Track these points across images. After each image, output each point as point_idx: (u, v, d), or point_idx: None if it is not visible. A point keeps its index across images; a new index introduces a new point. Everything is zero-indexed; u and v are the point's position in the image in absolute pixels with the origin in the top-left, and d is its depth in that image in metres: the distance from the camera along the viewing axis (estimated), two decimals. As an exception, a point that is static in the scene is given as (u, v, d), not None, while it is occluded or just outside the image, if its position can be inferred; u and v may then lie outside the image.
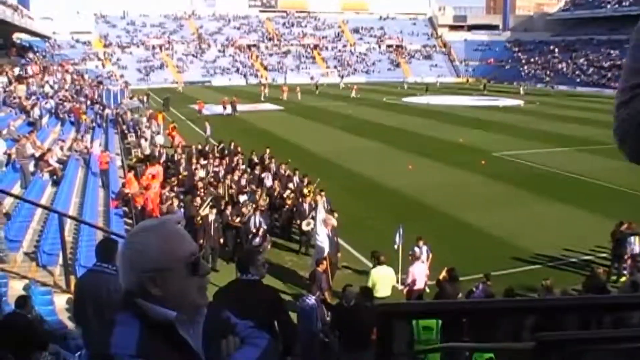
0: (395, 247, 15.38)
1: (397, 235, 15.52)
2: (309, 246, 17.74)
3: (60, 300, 10.21)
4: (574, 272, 16.08)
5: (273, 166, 24.27)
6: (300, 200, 19.13)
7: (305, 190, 20.65)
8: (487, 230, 19.89)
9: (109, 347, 1.87)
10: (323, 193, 18.86)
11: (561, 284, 13.14)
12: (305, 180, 21.99)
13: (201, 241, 16.38)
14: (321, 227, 15.26)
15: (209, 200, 18.32)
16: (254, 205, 18.28)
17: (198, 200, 18.38)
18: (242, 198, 19.67)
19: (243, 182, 21.86)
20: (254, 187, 21.30)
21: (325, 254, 14.78)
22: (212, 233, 16.95)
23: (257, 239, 16.89)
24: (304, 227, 17.89)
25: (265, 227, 17.52)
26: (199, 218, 17.21)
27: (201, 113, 50.73)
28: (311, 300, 10.92)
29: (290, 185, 21.48)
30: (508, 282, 13.44)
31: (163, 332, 1.91)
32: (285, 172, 23.45)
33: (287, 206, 19.68)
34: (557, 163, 30.87)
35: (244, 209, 18.12)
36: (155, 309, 1.93)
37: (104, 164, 23.55)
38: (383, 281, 13.30)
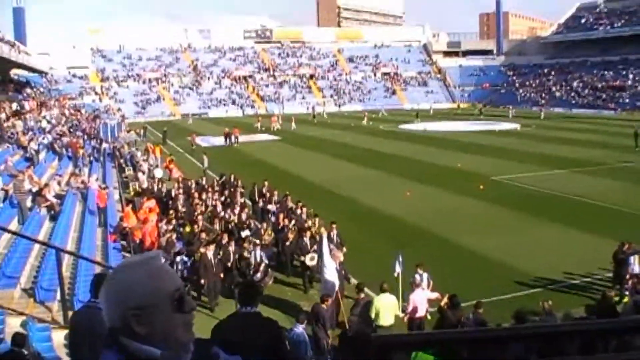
0: (395, 274, 15.27)
1: (397, 262, 15.42)
2: (313, 281, 17.36)
3: (59, 337, 10.09)
4: (576, 295, 15.98)
5: (275, 198, 24.10)
6: (301, 234, 18.64)
7: (309, 222, 20.38)
8: (488, 255, 19.79)
9: None
10: (334, 225, 18.58)
11: (563, 306, 13.03)
12: (304, 211, 21.79)
13: (202, 281, 16.22)
14: (329, 260, 15.01)
15: (212, 238, 18.14)
16: (256, 241, 18.06)
17: (203, 235, 18.18)
18: (244, 233, 19.44)
19: (244, 216, 21.60)
20: (257, 222, 21.03)
21: (337, 288, 14.61)
22: (214, 269, 16.48)
23: (258, 275, 16.65)
24: (308, 262, 17.29)
25: (266, 262, 17.26)
26: (198, 255, 16.98)
27: (195, 145, 50.80)
28: (299, 329, 10.86)
29: (294, 217, 21.16)
30: (510, 306, 13.30)
31: None
32: (288, 205, 23.11)
33: (290, 240, 19.03)
34: (555, 185, 30.85)
35: (245, 245, 17.81)
36: (139, 346, 1.87)
37: (102, 202, 23.33)
38: (386, 309, 13.21)
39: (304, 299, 16.42)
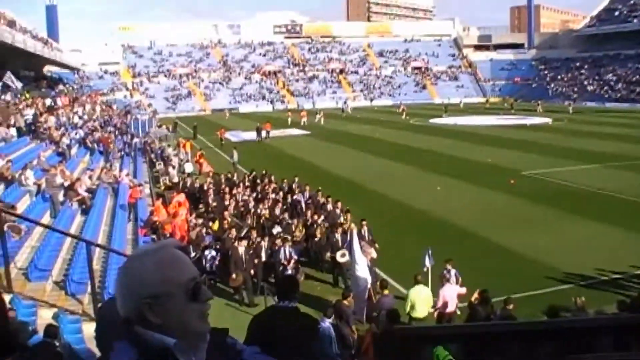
0: (425, 269, 15.17)
1: (426, 257, 15.32)
2: (344, 277, 17.03)
3: (89, 329, 10.15)
4: (607, 292, 15.68)
5: (307, 194, 23.99)
6: (332, 230, 18.52)
7: (342, 219, 20.17)
8: (517, 250, 19.58)
9: None
10: (364, 222, 18.35)
11: (595, 303, 12.83)
12: (339, 206, 21.54)
13: (233, 276, 16.16)
14: (361, 256, 14.90)
15: (244, 231, 18.14)
16: (287, 237, 17.91)
17: (233, 232, 18.15)
18: (276, 230, 19.32)
19: (277, 211, 21.40)
20: (287, 217, 20.92)
21: (369, 285, 14.53)
22: (244, 266, 16.35)
23: (289, 271, 16.53)
24: (339, 259, 17.01)
25: (295, 257, 17.11)
26: (229, 251, 16.90)
27: (224, 140, 50.98)
28: (326, 323, 10.84)
29: (324, 212, 21.03)
30: (540, 302, 13.15)
31: None
32: (320, 200, 22.96)
33: (319, 236, 18.84)
34: (588, 180, 30.44)
35: (277, 241, 17.64)
36: (152, 336, 1.85)
37: (132, 198, 23.50)
38: (421, 301, 13.23)
39: (332, 294, 16.33)
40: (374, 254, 16.46)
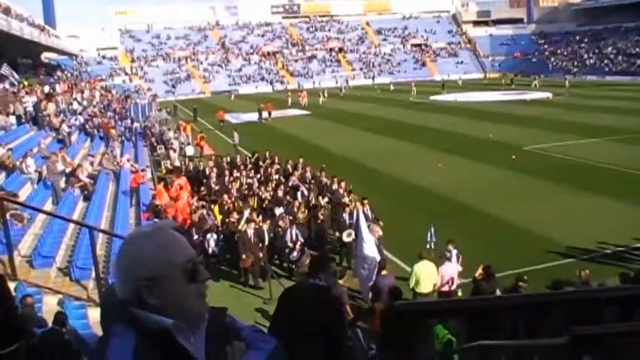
0: (428, 246, 15.19)
1: (429, 233, 15.34)
2: (350, 257, 16.99)
3: (94, 314, 10.22)
4: (609, 265, 15.68)
5: (309, 175, 23.85)
6: (338, 210, 18.47)
7: (346, 199, 20.02)
8: (520, 225, 19.59)
9: (105, 359, 1.80)
10: (366, 201, 18.20)
11: (597, 276, 12.85)
12: (343, 186, 21.33)
13: (244, 256, 16.12)
14: (368, 235, 14.88)
15: (246, 214, 18.12)
16: (290, 218, 17.87)
17: (235, 215, 18.15)
18: (279, 211, 19.21)
19: (280, 193, 21.15)
20: (289, 198, 20.80)
21: (377, 263, 14.53)
22: (252, 248, 16.24)
23: (295, 253, 16.53)
24: (345, 239, 17.00)
25: (302, 240, 17.02)
26: (237, 234, 16.79)
27: (224, 122, 50.84)
28: None
29: (328, 193, 20.90)
30: (543, 276, 13.18)
31: (160, 341, 1.84)
32: (323, 180, 22.80)
33: (321, 217, 18.77)
34: (589, 154, 30.40)
35: (280, 222, 17.62)
36: (151, 317, 1.86)
37: (135, 183, 23.42)
38: (426, 277, 13.27)
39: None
40: (381, 232, 16.45)
